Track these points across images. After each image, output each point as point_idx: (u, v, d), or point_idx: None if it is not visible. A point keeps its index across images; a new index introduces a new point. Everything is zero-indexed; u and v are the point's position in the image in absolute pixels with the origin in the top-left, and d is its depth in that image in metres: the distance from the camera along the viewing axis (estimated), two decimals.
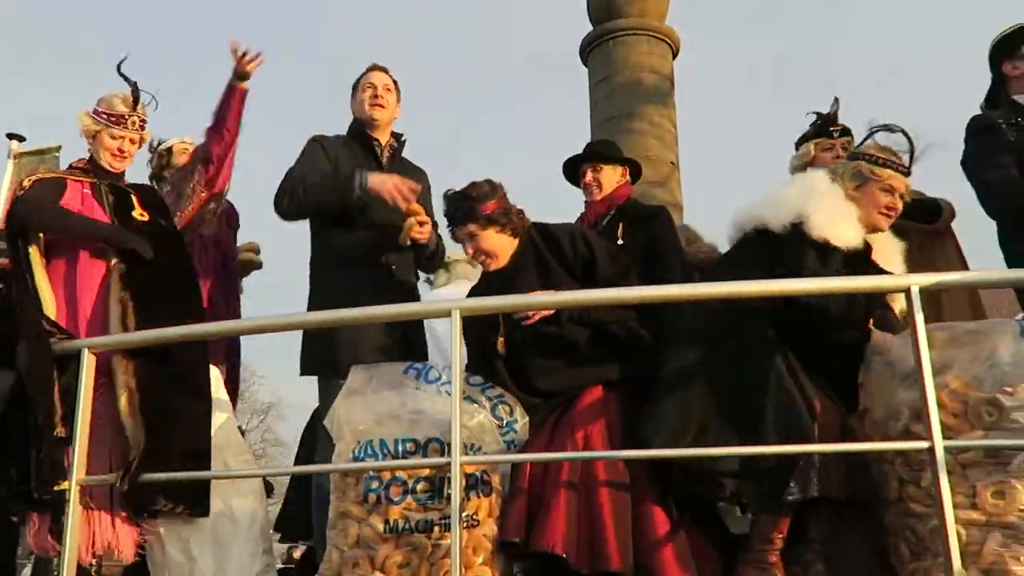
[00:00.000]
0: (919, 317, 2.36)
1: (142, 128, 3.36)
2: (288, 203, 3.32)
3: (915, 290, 2.38)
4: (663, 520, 2.72)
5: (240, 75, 3.52)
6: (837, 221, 2.71)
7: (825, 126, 3.52)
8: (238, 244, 4.23)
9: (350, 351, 3.14)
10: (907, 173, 2.80)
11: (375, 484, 2.70)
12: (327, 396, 3.15)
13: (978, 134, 3.01)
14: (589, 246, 3.04)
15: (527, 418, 2.95)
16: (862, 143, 2.91)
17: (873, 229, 2.81)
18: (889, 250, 2.88)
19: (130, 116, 3.31)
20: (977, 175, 2.99)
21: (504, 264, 3.06)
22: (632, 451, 2.75)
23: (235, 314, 3.96)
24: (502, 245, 3.05)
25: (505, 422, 2.93)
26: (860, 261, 2.74)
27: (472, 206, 3.03)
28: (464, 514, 2.62)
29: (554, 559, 2.65)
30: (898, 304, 2.71)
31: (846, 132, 3.50)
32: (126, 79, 3.34)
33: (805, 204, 2.73)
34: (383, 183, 3.25)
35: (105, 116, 3.30)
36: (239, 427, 3.54)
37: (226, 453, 3.12)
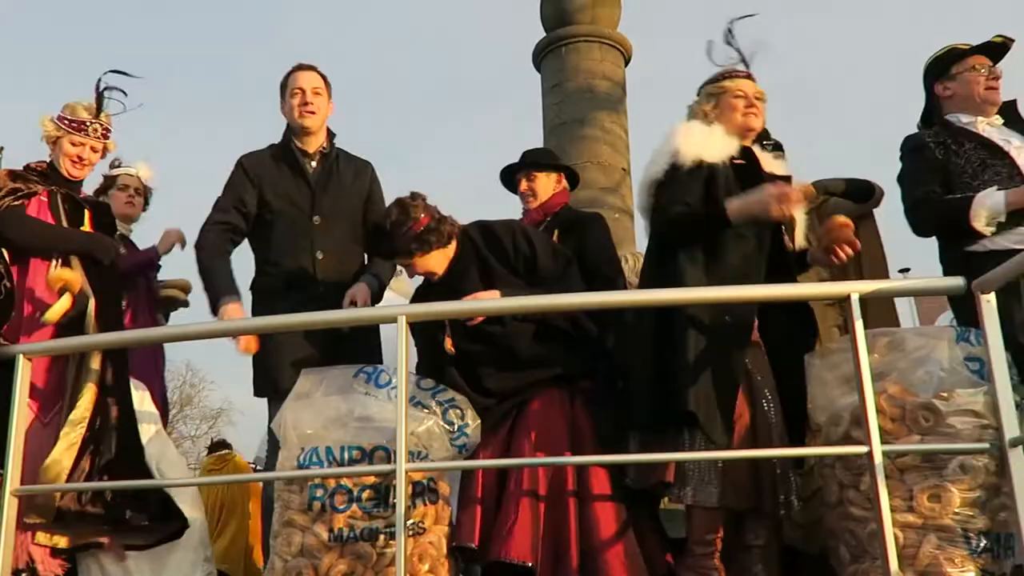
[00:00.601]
0: (859, 324, 2.40)
1: (105, 136, 3.27)
2: (196, 260, 3.31)
3: (855, 297, 2.42)
4: (613, 520, 2.74)
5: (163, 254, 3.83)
6: (703, 140, 2.91)
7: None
8: (167, 280, 4.12)
9: (293, 372, 3.06)
10: (748, 76, 3.02)
11: (320, 492, 2.67)
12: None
13: (908, 154, 3.14)
14: (530, 243, 3.04)
15: (479, 421, 2.94)
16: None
17: (746, 130, 2.98)
18: None
19: (92, 123, 3.23)
20: (904, 192, 3.14)
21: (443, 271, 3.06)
22: (581, 457, 2.78)
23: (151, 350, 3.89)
24: (438, 260, 3.03)
25: (456, 426, 2.92)
26: (750, 174, 2.89)
27: (393, 245, 3.00)
28: (410, 522, 2.61)
29: (508, 566, 2.66)
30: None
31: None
32: (100, 87, 3.27)
33: (672, 143, 2.93)
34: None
35: (67, 122, 3.22)
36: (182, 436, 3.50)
37: (162, 464, 3.06)
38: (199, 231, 3.34)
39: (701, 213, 2.82)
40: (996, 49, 3.10)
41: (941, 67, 3.15)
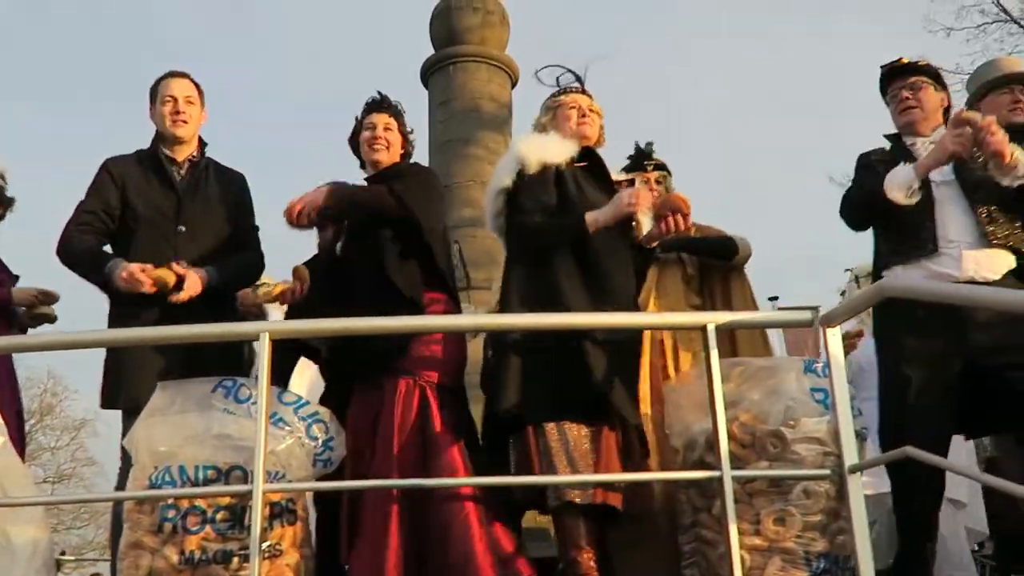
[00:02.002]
0: (713, 353, 2.49)
1: None
2: (63, 259, 3.16)
3: (711, 328, 2.52)
4: (479, 524, 2.77)
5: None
6: (543, 145, 3.10)
7: (640, 160, 3.71)
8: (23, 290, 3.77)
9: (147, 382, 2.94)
10: (582, 91, 3.24)
11: (171, 513, 2.57)
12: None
13: (857, 171, 3.21)
14: None
15: (343, 434, 2.91)
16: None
17: (581, 137, 3.16)
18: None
19: None
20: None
21: None
22: (452, 479, 2.77)
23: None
24: None
25: (321, 441, 2.87)
26: (596, 174, 3.13)
27: None
28: (266, 544, 2.55)
29: None
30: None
31: (661, 167, 3.69)
32: None
33: (515, 152, 3.10)
34: (129, 280, 3.01)
35: None
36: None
37: (5, 481, 2.89)
38: (62, 232, 3.18)
39: (561, 224, 2.95)
40: (903, 72, 3.13)
41: (882, 91, 3.22)
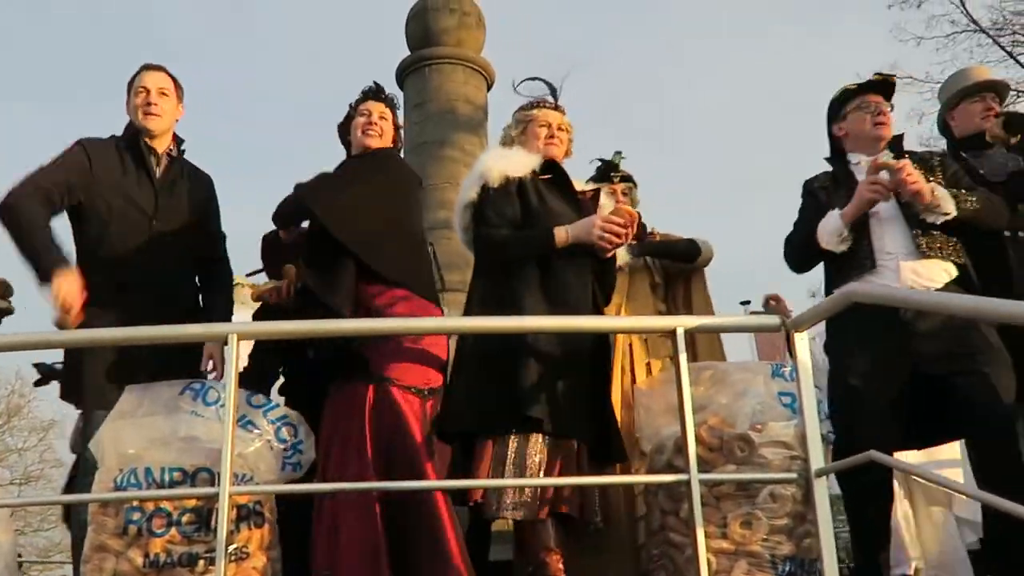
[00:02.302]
0: (683, 357, 2.51)
1: None
2: (3, 216, 3.01)
3: (680, 332, 2.53)
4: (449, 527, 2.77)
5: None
6: (507, 160, 3.12)
7: (607, 172, 3.75)
8: None
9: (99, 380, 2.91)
10: (556, 107, 3.25)
11: (136, 515, 2.54)
12: (88, 429, 2.95)
13: (802, 198, 3.30)
14: None
15: (312, 437, 2.89)
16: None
17: (547, 155, 3.18)
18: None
19: None
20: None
21: None
22: (421, 482, 2.77)
23: None
24: None
25: (290, 444, 2.85)
26: (559, 185, 3.15)
27: None
28: (233, 547, 2.53)
29: None
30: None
31: (627, 179, 3.73)
32: None
33: (479, 167, 3.13)
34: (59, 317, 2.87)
35: None
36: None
37: None
38: (13, 188, 3.03)
39: (528, 236, 2.98)
40: (883, 86, 3.21)
41: (835, 109, 3.27)
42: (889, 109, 3.19)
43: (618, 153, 3.79)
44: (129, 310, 2.93)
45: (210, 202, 3.40)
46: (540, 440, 2.77)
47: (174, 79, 3.36)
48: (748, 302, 13.58)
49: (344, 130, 3.38)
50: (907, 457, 3.29)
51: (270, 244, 3.49)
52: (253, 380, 3.31)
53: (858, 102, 3.19)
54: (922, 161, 3.11)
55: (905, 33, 16.09)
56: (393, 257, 3.10)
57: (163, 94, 3.28)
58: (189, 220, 3.27)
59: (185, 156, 3.40)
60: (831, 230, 2.98)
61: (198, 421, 2.75)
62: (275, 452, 2.81)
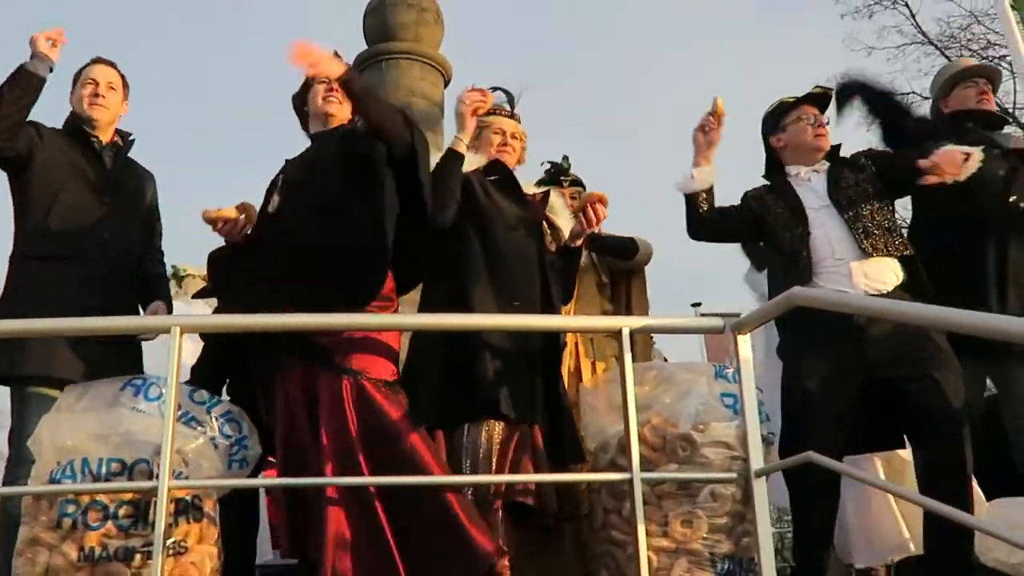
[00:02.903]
0: (627, 357, 2.53)
1: None
2: None
3: (626, 332, 2.56)
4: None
5: None
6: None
7: (556, 175, 3.78)
8: None
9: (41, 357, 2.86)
10: (511, 116, 3.33)
11: (71, 508, 2.49)
12: (23, 409, 2.89)
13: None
14: None
15: (256, 433, 2.85)
16: None
17: (500, 158, 3.24)
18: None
19: None
20: None
21: None
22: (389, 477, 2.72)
23: None
24: None
25: (235, 439, 2.81)
26: (506, 185, 3.19)
27: None
28: (171, 540, 2.50)
29: None
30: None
31: (576, 182, 3.76)
32: None
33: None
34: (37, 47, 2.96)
35: None
36: None
37: None
38: None
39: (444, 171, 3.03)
40: (820, 99, 3.29)
41: (774, 121, 3.32)
42: (825, 122, 3.27)
43: (566, 158, 3.83)
44: (82, 279, 2.93)
45: (153, 198, 3.40)
46: (497, 428, 2.79)
47: (123, 76, 3.35)
48: (699, 304, 13.80)
49: (300, 100, 3.28)
50: (901, 455, 3.38)
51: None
52: (207, 376, 3.27)
53: (797, 114, 3.25)
54: (851, 162, 3.21)
55: (857, 43, 16.47)
56: None
57: (111, 87, 3.28)
58: (137, 208, 3.30)
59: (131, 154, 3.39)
60: (685, 179, 3.12)
61: (138, 417, 2.70)
62: (220, 449, 2.77)
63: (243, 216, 2.95)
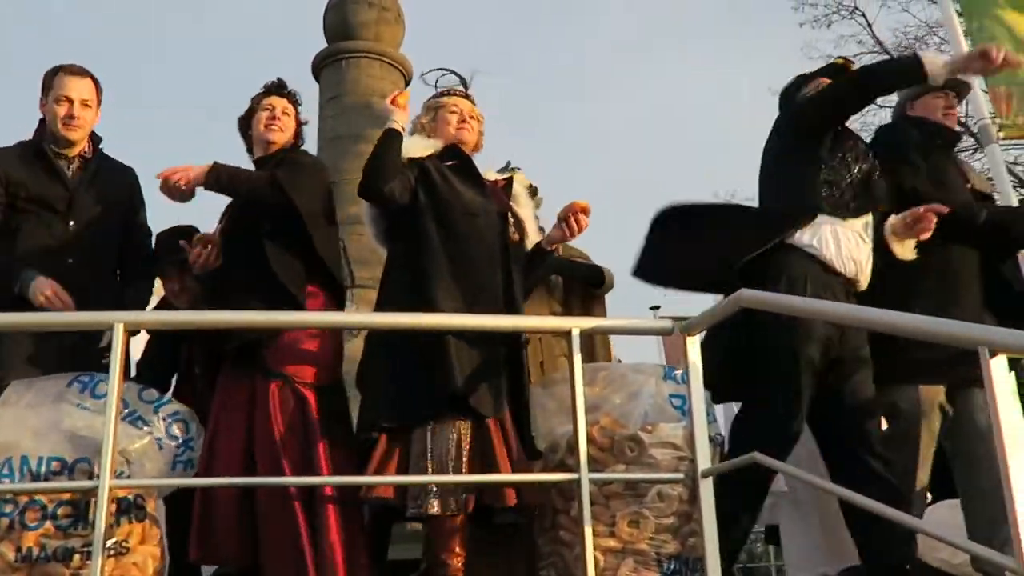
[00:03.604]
0: (577, 358, 2.54)
1: None
2: None
3: (575, 332, 2.56)
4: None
5: None
6: (413, 145, 3.07)
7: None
8: None
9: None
10: (466, 96, 3.27)
11: (8, 508, 2.44)
12: None
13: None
14: None
15: (204, 434, 2.83)
16: None
17: (459, 142, 3.18)
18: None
19: None
20: None
21: None
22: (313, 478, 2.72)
23: None
24: None
25: (182, 440, 2.79)
26: (465, 170, 3.12)
27: None
28: (112, 541, 2.46)
29: None
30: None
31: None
32: None
33: None
34: (36, 294, 2.88)
35: None
36: None
37: None
38: None
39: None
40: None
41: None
42: None
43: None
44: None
45: (132, 196, 3.32)
46: (464, 428, 2.74)
47: (96, 85, 3.24)
48: (658, 307, 13.90)
49: (245, 124, 3.32)
50: None
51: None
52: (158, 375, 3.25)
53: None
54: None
55: (815, 51, 16.74)
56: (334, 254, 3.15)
57: (86, 105, 3.17)
58: (108, 218, 3.19)
59: (104, 152, 3.30)
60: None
61: (83, 413, 2.66)
62: (166, 450, 2.75)
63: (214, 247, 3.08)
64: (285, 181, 2.97)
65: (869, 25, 15.80)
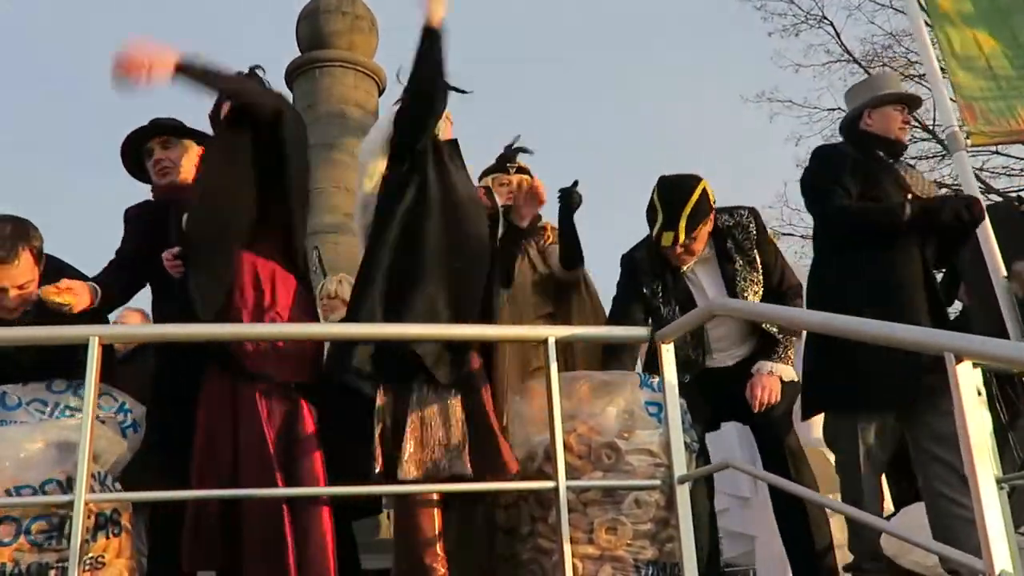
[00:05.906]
0: (553, 366, 2.57)
1: None
2: None
3: (551, 341, 2.59)
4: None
5: None
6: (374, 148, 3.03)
7: (503, 163, 3.75)
8: None
9: None
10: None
11: None
12: None
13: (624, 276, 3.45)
14: None
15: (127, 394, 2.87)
16: None
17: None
18: None
19: None
20: None
21: None
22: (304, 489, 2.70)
23: None
24: None
25: (116, 408, 2.83)
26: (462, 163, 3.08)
27: None
28: (88, 556, 2.44)
29: None
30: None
31: (522, 170, 3.74)
32: None
33: (364, 155, 3.08)
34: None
35: None
36: None
37: None
38: None
39: None
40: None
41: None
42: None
43: (516, 140, 3.80)
44: None
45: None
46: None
47: (33, 254, 2.81)
48: None
49: (216, 120, 3.27)
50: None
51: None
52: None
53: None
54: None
55: (784, 60, 16.92)
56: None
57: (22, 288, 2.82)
58: None
59: None
60: None
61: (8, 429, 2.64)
62: (109, 424, 2.76)
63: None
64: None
65: (837, 34, 16.01)
